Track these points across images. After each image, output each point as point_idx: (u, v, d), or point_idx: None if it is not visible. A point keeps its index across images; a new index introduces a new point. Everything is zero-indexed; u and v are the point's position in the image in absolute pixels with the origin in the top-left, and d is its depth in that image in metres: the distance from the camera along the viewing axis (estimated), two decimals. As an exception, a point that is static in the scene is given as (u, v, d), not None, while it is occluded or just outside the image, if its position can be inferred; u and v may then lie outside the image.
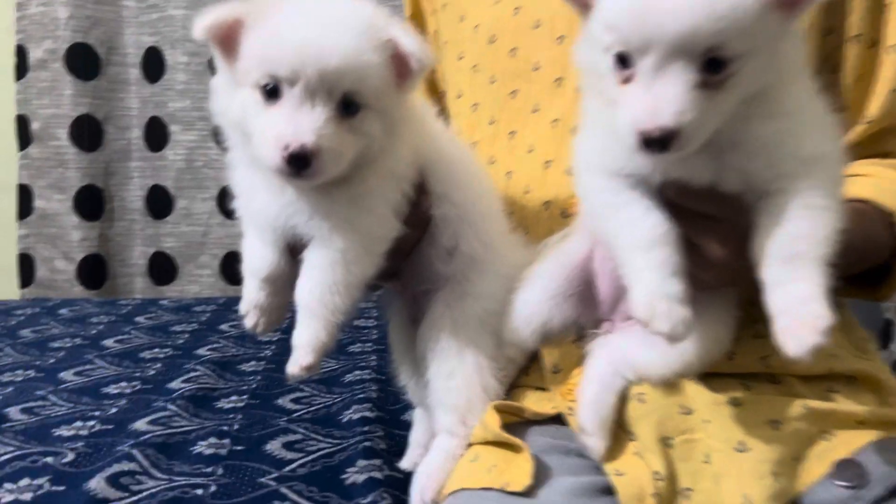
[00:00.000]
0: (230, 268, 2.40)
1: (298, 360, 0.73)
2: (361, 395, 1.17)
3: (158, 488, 0.88)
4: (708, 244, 0.66)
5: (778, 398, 0.72)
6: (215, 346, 1.46)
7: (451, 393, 0.80)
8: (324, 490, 0.89)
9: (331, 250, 0.73)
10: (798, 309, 0.59)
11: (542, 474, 0.72)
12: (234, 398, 1.18)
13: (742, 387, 0.74)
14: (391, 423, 1.09)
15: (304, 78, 0.66)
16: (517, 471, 0.72)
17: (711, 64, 0.57)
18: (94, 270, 2.35)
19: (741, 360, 0.75)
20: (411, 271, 0.84)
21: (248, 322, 0.80)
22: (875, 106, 0.85)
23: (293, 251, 0.77)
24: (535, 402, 0.81)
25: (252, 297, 0.79)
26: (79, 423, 1.07)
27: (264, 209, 0.74)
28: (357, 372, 1.31)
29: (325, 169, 0.67)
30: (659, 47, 0.57)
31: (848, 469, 0.68)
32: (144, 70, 2.38)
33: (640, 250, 0.64)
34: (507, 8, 0.94)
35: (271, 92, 0.68)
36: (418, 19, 1.11)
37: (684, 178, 0.64)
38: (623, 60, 0.59)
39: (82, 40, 2.31)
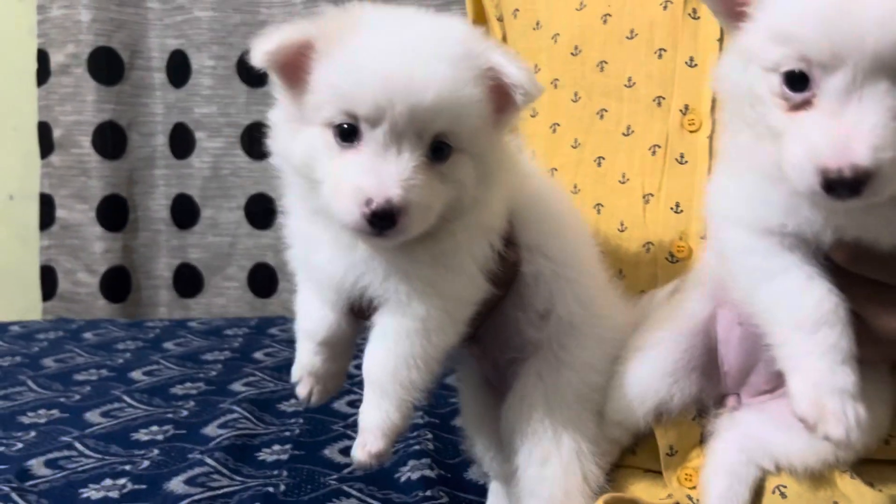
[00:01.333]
0: (258, 280, 2.31)
1: (367, 446, 0.62)
2: (417, 447, 1.05)
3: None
4: (880, 317, 0.54)
5: (957, 498, 0.59)
6: (251, 379, 1.35)
7: (545, 483, 0.68)
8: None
9: (408, 318, 0.62)
10: None
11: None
12: (276, 447, 1.07)
13: (905, 477, 0.61)
14: (456, 484, 0.96)
15: (390, 117, 0.54)
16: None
17: None
18: (117, 283, 2.27)
19: (903, 444, 0.63)
20: (494, 336, 0.72)
21: (301, 391, 0.70)
22: None
23: (358, 313, 0.66)
24: (646, 490, 0.69)
25: (306, 362, 0.70)
26: (108, 482, 0.96)
27: (328, 265, 0.63)
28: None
29: (412, 227, 0.56)
30: (856, 62, 0.44)
31: None
32: (169, 74, 2.29)
33: (802, 331, 0.52)
34: (594, 15, 0.81)
35: (348, 133, 0.56)
36: (481, 25, 0.99)
37: (865, 240, 0.51)
38: (797, 81, 0.47)
39: (105, 44, 2.23)
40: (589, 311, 0.71)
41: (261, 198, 2.29)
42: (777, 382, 0.62)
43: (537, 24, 0.87)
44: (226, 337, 1.66)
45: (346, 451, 1.06)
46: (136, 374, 1.39)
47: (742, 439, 0.64)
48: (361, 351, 0.69)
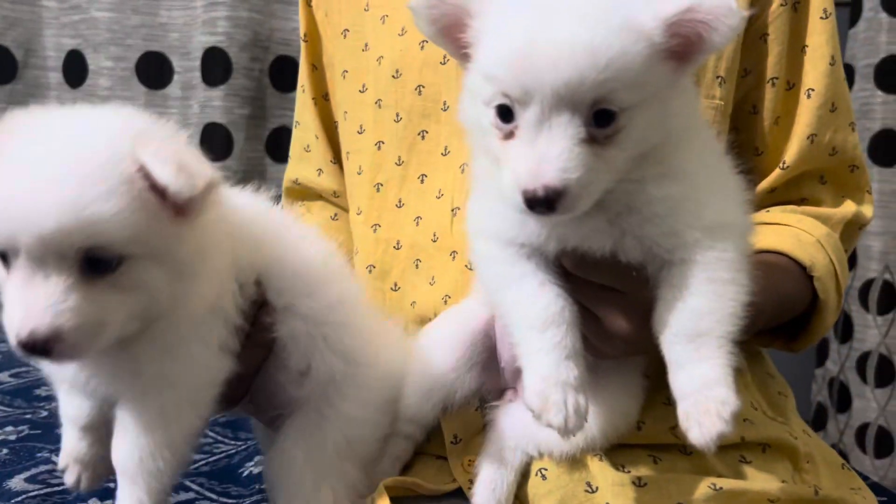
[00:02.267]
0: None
1: None
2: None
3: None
4: (610, 317, 0.62)
5: (686, 476, 0.68)
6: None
7: None
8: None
9: (145, 412, 0.63)
10: (702, 393, 0.55)
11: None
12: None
13: (650, 460, 0.70)
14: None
15: (23, 248, 0.54)
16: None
17: (599, 117, 0.53)
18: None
19: (650, 429, 0.71)
20: (261, 394, 0.74)
21: (69, 478, 0.71)
22: (792, 152, 0.83)
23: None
24: (433, 476, 0.75)
25: (70, 448, 0.71)
26: None
27: (56, 366, 0.65)
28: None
29: (80, 348, 0.56)
30: (541, 97, 0.52)
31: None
32: (65, 74, 2.28)
33: (533, 330, 0.59)
34: (412, 41, 0.88)
35: (2, 259, 0.57)
36: (313, 43, 1.04)
37: (582, 248, 0.59)
38: (505, 114, 0.54)
39: (-2, 42, 2.20)
40: (350, 365, 0.74)
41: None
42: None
43: (365, 45, 0.93)
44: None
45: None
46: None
47: (511, 428, 0.71)
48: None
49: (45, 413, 1.21)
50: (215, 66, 2.19)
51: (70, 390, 0.68)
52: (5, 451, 1.06)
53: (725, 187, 0.62)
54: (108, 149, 0.55)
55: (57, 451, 1.01)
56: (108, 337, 0.57)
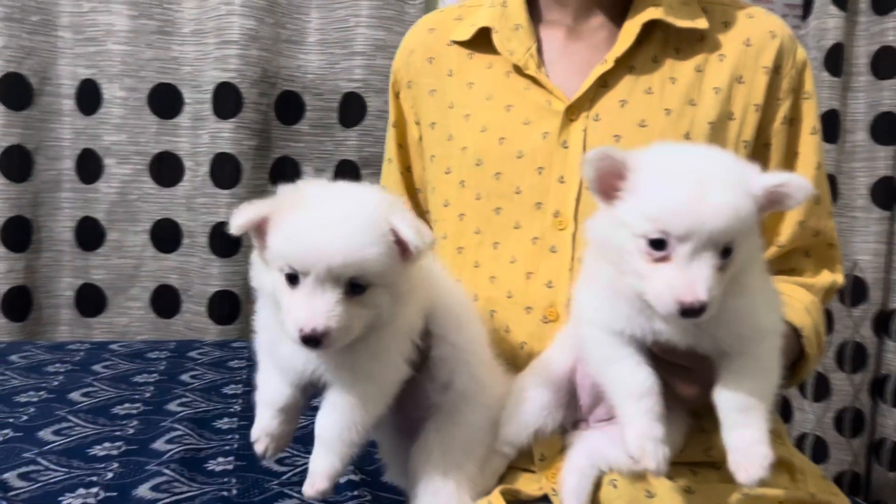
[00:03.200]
0: (161, 301, 2.44)
1: (315, 485, 0.85)
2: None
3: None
4: (679, 386, 0.86)
5: (720, 485, 0.92)
6: (184, 399, 1.55)
7: None
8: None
9: (351, 395, 0.85)
10: (749, 449, 0.78)
11: (538, 548, 0.88)
12: (220, 460, 1.28)
13: (690, 473, 0.93)
14: (374, 485, 1.22)
15: (315, 271, 0.77)
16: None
17: (724, 253, 0.75)
18: (18, 302, 2.33)
19: (689, 451, 0.95)
20: (409, 399, 0.95)
21: (259, 447, 0.90)
22: (786, 234, 1.08)
23: (311, 388, 0.89)
24: (525, 484, 0.98)
25: (265, 425, 0.89)
26: (82, 491, 1.14)
27: (290, 358, 0.86)
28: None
29: (336, 343, 0.79)
30: (698, 237, 0.73)
31: (771, 539, 0.88)
32: (79, 102, 2.39)
33: (632, 398, 0.81)
34: (493, 137, 1.10)
35: (292, 278, 0.79)
36: (401, 127, 1.25)
37: (671, 342, 0.82)
38: (658, 244, 0.75)
39: (15, 70, 2.29)
40: (478, 385, 0.97)
41: (167, 223, 2.43)
42: (612, 415, 0.91)
43: (450, 136, 1.14)
44: (150, 360, 1.82)
45: (281, 461, 1.30)
46: (76, 396, 1.54)
47: (588, 450, 0.94)
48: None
49: (131, 430, 1.38)
50: (227, 100, 2.35)
51: (280, 377, 0.87)
52: (115, 464, 1.23)
53: (773, 301, 0.85)
54: (373, 213, 0.80)
55: (162, 464, 1.22)
56: (351, 338, 0.80)
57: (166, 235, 2.44)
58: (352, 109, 2.44)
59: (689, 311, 0.73)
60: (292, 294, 0.79)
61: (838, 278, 1.12)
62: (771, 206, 0.79)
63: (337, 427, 0.85)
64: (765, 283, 0.85)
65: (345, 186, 0.86)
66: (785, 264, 1.11)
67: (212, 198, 2.37)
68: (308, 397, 0.91)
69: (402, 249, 0.81)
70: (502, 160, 1.09)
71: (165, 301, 2.45)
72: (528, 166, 1.07)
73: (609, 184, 0.79)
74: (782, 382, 1.07)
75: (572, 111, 1.06)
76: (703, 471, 0.94)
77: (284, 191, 0.84)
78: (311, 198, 0.82)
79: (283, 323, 0.80)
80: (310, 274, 0.77)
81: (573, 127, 1.05)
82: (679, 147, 0.82)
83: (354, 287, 0.79)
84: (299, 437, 1.34)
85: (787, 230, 1.08)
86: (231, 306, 2.37)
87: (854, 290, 2.41)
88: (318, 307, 0.77)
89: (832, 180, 2.35)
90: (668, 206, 0.74)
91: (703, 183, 0.74)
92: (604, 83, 1.06)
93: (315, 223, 0.79)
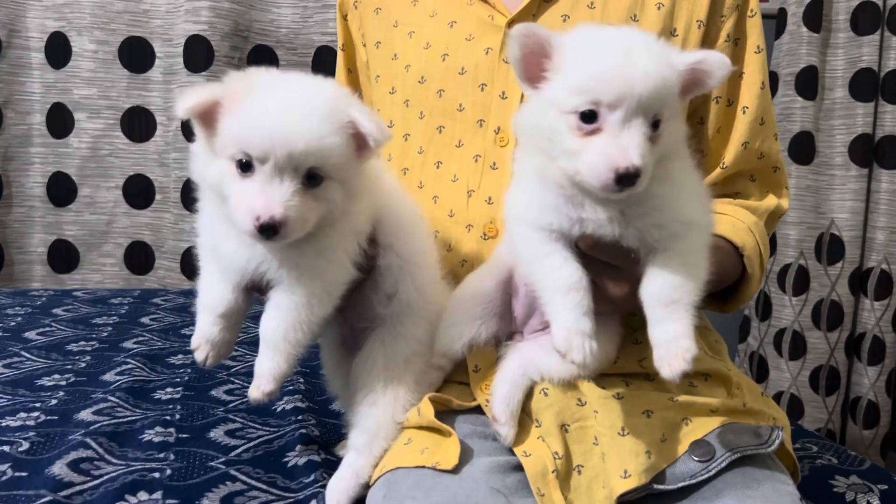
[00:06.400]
0: (135, 257, 2.44)
1: (261, 387, 0.83)
2: (290, 388, 1.29)
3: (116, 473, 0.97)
4: (608, 285, 0.85)
5: (651, 393, 0.91)
6: (141, 339, 1.54)
7: (368, 418, 0.92)
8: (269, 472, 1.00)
9: (297, 294, 0.82)
10: (672, 343, 0.77)
11: (466, 455, 0.87)
12: (168, 390, 1.27)
13: (623, 384, 0.92)
14: (321, 412, 1.21)
15: (273, 158, 0.75)
16: (446, 452, 0.87)
17: (654, 124, 0.74)
18: (-10, 257, 2.32)
19: (623, 362, 0.94)
20: (353, 309, 0.95)
21: (199, 355, 0.87)
22: (729, 156, 1.07)
23: (255, 289, 0.86)
24: (459, 395, 0.97)
25: (205, 331, 0.86)
26: (23, 414, 1.13)
27: (233, 254, 0.83)
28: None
29: (291, 235, 0.77)
30: (628, 104, 0.72)
31: (701, 447, 0.87)
32: (48, 55, 2.36)
33: (559, 293, 0.80)
34: (436, 54, 1.08)
35: (245, 166, 0.76)
36: (349, 50, 1.23)
37: (596, 234, 0.80)
38: (588, 117, 0.74)
39: (-18, 22, 2.27)
40: (423, 297, 0.96)
41: (139, 178, 2.42)
42: (545, 325, 0.90)
43: (395, 55, 1.13)
44: (112, 304, 1.81)
45: (229, 392, 1.29)
46: (31, 335, 1.54)
47: (520, 360, 0.92)
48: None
49: (82, 365, 1.37)
50: (198, 54, 2.32)
51: (222, 280, 0.84)
52: (61, 393, 1.22)
53: (698, 193, 0.84)
54: (333, 103, 0.78)
55: (108, 392, 1.21)
56: (305, 230, 0.78)
57: (139, 191, 2.42)
58: (326, 63, 2.41)
59: (625, 178, 0.72)
60: (244, 184, 0.76)
61: (784, 203, 1.11)
62: (693, 87, 0.78)
63: (282, 327, 0.82)
64: (690, 176, 0.84)
65: (300, 76, 0.82)
66: (730, 188, 1.09)
67: (184, 153, 2.34)
68: (250, 303, 0.88)
69: (358, 144, 0.80)
70: (445, 77, 1.07)
71: (138, 257, 2.44)
72: (470, 83, 1.05)
73: (535, 64, 0.78)
74: (724, 306, 1.08)
75: (514, 25, 1.03)
76: (637, 381, 0.93)
77: (234, 76, 0.80)
78: (267, 84, 0.78)
79: (229, 216, 0.77)
80: (268, 161, 0.75)
81: (515, 42, 1.03)
82: (603, 26, 0.80)
83: (311, 178, 0.77)
84: (249, 371, 1.36)
85: (731, 151, 1.07)
86: (203, 261, 2.36)
87: (831, 249, 2.40)
88: (276, 195, 0.75)
89: (810, 138, 2.34)
90: (597, 74, 0.73)
91: (630, 52, 0.73)
92: (547, -3, 1.04)
93: (276, 108, 0.75)
